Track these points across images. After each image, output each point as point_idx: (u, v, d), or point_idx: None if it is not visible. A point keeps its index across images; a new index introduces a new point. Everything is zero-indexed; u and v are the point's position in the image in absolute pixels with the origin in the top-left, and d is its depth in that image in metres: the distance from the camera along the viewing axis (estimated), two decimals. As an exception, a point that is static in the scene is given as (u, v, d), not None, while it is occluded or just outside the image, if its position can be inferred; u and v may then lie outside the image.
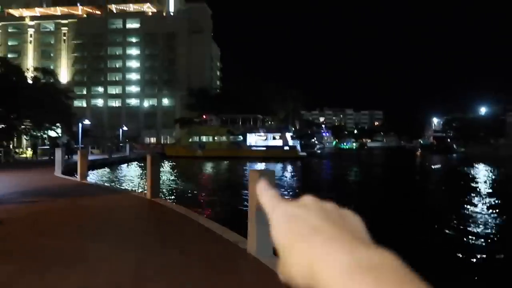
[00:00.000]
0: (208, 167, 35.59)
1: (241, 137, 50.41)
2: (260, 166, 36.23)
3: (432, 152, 74.73)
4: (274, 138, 49.66)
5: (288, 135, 49.73)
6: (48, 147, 32.85)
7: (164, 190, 15.91)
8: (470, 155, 60.66)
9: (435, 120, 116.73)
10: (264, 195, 0.37)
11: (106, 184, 18.89)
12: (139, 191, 10.52)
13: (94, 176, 24.83)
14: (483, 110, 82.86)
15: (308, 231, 0.30)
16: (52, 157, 29.65)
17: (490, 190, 19.25)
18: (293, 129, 59.07)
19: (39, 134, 38.85)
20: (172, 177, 24.45)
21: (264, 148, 48.42)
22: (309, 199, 0.34)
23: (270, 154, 45.96)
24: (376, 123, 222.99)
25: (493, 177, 27.78)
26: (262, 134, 50.42)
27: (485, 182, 23.84)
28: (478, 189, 19.44)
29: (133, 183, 20.57)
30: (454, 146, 77.26)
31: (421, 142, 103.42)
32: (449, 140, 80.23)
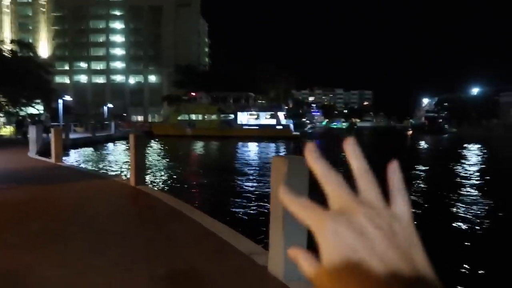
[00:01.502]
0: (199, 147, 33.82)
1: (232, 116, 48.57)
2: (253, 145, 34.66)
3: (424, 132, 74.02)
4: (266, 117, 47.95)
5: (281, 114, 48.05)
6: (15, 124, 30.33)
7: (150, 175, 14.16)
8: (462, 136, 60.16)
9: (425, 101, 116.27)
10: (295, 204, 0.31)
11: (84, 166, 17.05)
12: (122, 176, 8.94)
13: (74, 156, 22.89)
14: (475, 91, 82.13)
15: (375, 262, 0.26)
16: (19, 136, 27.52)
17: (478, 171, 18.36)
18: (286, 108, 57.28)
19: (14, 111, 36.33)
20: (160, 159, 22.62)
21: (257, 127, 46.75)
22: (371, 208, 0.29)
23: (263, 133, 44.39)
24: (366, 103, 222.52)
25: (484, 157, 26.81)
26: (254, 112, 48.63)
27: (476, 163, 22.93)
28: (467, 170, 18.54)
29: (116, 165, 18.73)
30: (446, 127, 76.71)
31: (412, 122, 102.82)
32: (441, 120, 79.49)
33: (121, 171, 15.59)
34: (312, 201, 0.31)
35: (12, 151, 17.74)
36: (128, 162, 8.88)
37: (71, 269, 3.85)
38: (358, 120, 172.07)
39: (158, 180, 13.79)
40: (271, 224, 3.90)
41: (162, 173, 15.73)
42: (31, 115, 40.28)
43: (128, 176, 8.89)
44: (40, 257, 4.15)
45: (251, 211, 9.24)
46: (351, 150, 0.32)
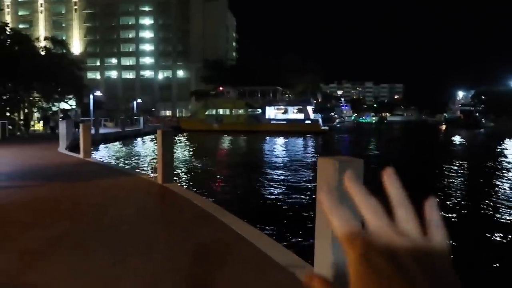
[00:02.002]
0: (227, 142, 33.51)
1: (259, 110, 47.99)
2: (281, 140, 34.02)
3: (458, 126, 70.90)
4: (294, 112, 47.06)
5: (310, 108, 47.03)
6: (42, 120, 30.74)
7: (178, 171, 13.80)
8: (500, 131, 57.17)
9: (460, 94, 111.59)
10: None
11: (112, 162, 16.96)
12: (149, 172, 8.60)
13: (104, 151, 23.02)
14: (515, 82, 77.75)
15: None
16: (48, 131, 27.92)
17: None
18: (315, 102, 56.11)
19: (47, 106, 37.17)
20: (188, 154, 22.35)
21: (285, 122, 45.99)
22: (398, 245, 0.28)
23: (291, 128, 43.62)
24: (396, 97, 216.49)
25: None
26: (282, 107, 47.84)
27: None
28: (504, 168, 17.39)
29: (144, 160, 18.57)
30: (483, 121, 73.23)
31: (446, 116, 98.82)
32: (477, 114, 75.94)
33: (149, 167, 15.34)
34: (376, 199, 0.30)
35: (43, 146, 17.89)
36: (156, 158, 8.51)
37: (89, 281, 3.41)
38: (388, 114, 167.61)
39: (185, 177, 13.40)
40: (317, 235, 3.30)
41: (190, 170, 15.36)
42: (63, 110, 41.17)
43: (156, 173, 8.51)
44: (56, 267, 3.73)
45: (285, 215, 8.64)
46: (389, 179, 0.31)
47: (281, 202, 9.66)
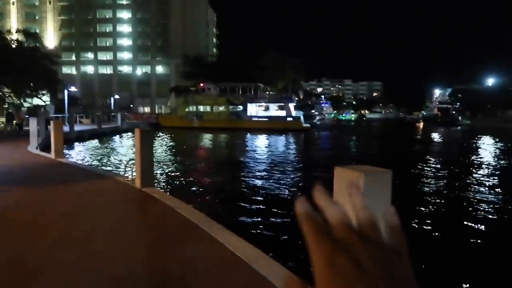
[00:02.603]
0: (208, 140, 32.70)
1: (241, 107, 47.27)
2: (263, 138, 33.48)
3: (436, 124, 72.18)
4: (275, 109, 46.55)
5: (292, 106, 46.62)
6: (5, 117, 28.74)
7: (158, 172, 12.95)
8: (476, 128, 58.53)
9: (437, 92, 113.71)
10: (308, 222, 0.32)
11: (87, 162, 15.96)
12: (127, 175, 7.83)
13: (79, 150, 21.90)
14: (490, 81, 79.68)
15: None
16: (9, 129, 26.13)
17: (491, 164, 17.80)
18: (296, 99, 55.74)
19: (18, 102, 35.34)
20: (169, 153, 21.42)
21: (266, 119, 45.43)
22: (362, 248, 0.29)
23: (273, 125, 43.14)
24: (375, 94, 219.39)
25: (497, 151, 25.62)
26: (263, 104, 47.25)
27: (489, 156, 21.98)
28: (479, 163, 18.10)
29: (122, 160, 17.60)
30: (460, 119, 74.75)
31: (424, 113, 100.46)
32: (454, 112, 77.42)
33: (127, 169, 14.36)
34: (326, 225, 0.31)
35: (12, 144, 16.71)
36: (134, 158, 7.78)
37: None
38: (367, 112, 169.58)
39: (166, 180, 12.51)
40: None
41: (170, 171, 14.47)
42: (31, 107, 39.38)
43: (134, 175, 7.75)
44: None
45: (274, 224, 8.02)
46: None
47: (266, 207, 9.04)
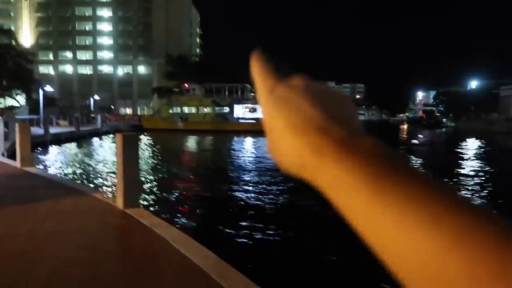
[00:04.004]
0: (195, 144, 31.15)
1: (227, 109, 45.80)
2: (249, 140, 32.15)
3: (421, 126, 72.43)
4: (263, 110, 45.27)
5: (279, 107, 45.44)
6: None
7: (142, 185, 11.34)
8: (461, 130, 58.93)
9: (420, 94, 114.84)
10: (258, 70, 0.34)
11: (59, 172, 14.15)
12: (107, 190, 6.35)
13: (53, 155, 20.02)
14: (474, 84, 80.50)
15: (299, 121, 0.29)
16: None
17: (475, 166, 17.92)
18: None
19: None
20: (154, 161, 19.34)
21: (254, 121, 44.10)
22: (300, 80, 0.32)
23: (260, 128, 41.76)
24: (358, 96, 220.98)
25: (481, 152, 25.96)
26: (251, 105, 45.91)
27: (473, 157, 22.15)
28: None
29: (102, 168, 15.92)
30: (444, 121, 75.30)
31: (408, 115, 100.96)
32: (438, 114, 77.88)
33: (107, 180, 12.61)
34: (273, 73, 0.34)
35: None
36: (115, 162, 6.34)
37: None
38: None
39: (153, 196, 10.75)
40: None
41: (158, 184, 12.53)
42: (5, 108, 37.05)
43: (115, 191, 6.26)
44: None
45: (273, 248, 6.64)
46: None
47: (267, 225, 7.65)
